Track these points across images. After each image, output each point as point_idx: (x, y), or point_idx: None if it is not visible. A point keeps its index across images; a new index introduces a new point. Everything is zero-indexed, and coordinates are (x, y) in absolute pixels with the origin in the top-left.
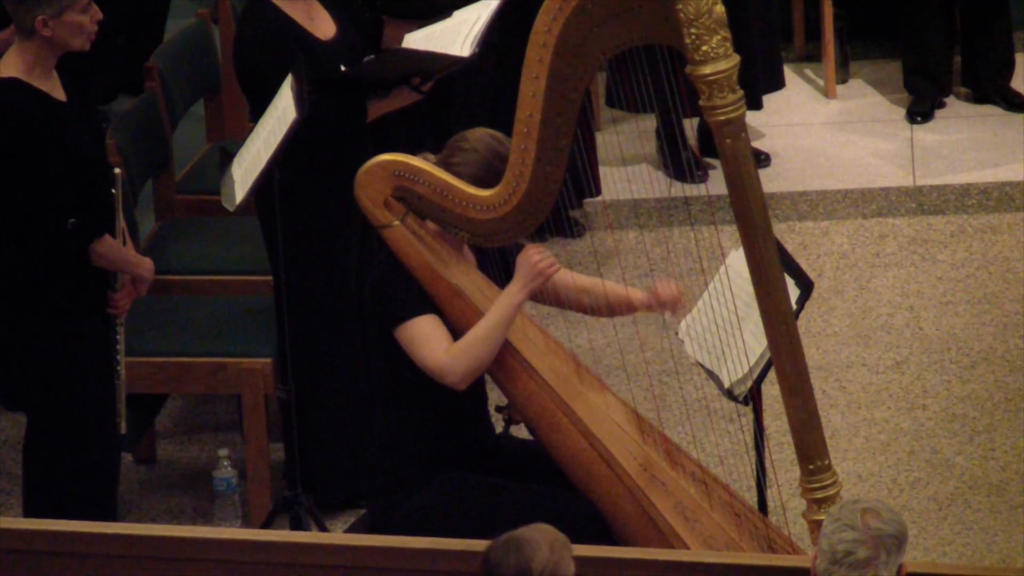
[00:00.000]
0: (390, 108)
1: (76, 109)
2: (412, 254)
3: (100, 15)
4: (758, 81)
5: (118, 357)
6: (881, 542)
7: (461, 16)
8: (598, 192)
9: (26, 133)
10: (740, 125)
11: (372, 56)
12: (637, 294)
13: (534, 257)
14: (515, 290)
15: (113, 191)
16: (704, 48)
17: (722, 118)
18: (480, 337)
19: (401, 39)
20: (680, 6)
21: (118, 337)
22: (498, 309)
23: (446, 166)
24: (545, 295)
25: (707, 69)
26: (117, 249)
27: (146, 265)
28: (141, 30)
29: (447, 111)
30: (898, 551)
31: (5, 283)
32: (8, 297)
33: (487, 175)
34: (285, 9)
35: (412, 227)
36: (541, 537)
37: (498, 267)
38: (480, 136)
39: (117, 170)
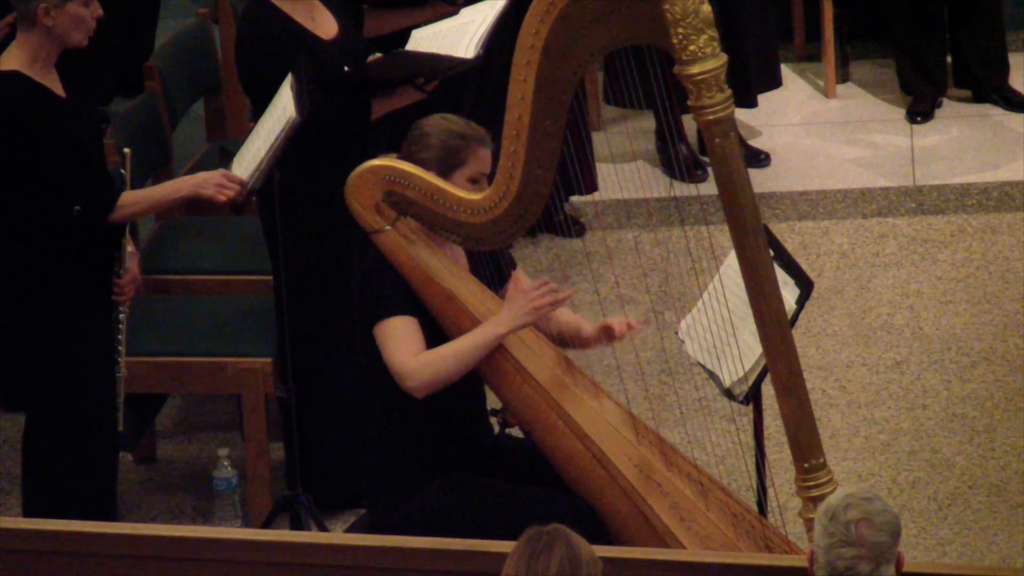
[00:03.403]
0: (393, 107)
1: (75, 106)
2: (404, 259)
3: (100, 11)
4: (752, 79)
5: (119, 348)
6: (881, 555)
7: (468, 16)
8: (594, 188)
9: (27, 126)
10: (729, 124)
11: (378, 55)
12: (587, 326)
13: (532, 294)
14: (502, 321)
15: (123, 171)
16: (691, 48)
17: (711, 117)
18: (452, 353)
19: (382, 29)
20: (667, 6)
21: (120, 327)
22: (479, 334)
23: (408, 158)
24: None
25: (695, 69)
26: (138, 194)
27: (191, 181)
28: (135, 32)
29: (458, 113)
30: (895, 547)
31: (5, 280)
32: (8, 294)
33: (448, 156)
34: (286, 9)
35: (404, 232)
36: (575, 534)
37: (490, 270)
38: (431, 121)
39: (126, 150)
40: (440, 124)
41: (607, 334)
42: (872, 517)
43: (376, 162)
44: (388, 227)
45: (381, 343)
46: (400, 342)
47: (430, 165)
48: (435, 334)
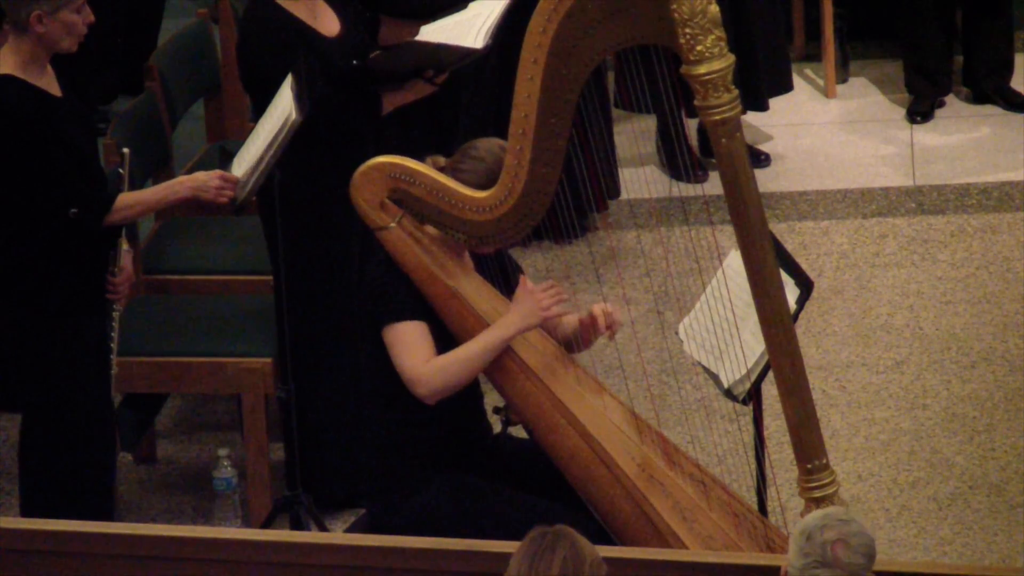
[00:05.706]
0: (404, 101)
1: (72, 106)
2: (409, 256)
3: (92, 18)
4: (762, 83)
5: (112, 346)
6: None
7: (476, 9)
8: (617, 194)
9: (23, 129)
10: (735, 125)
11: (379, 51)
12: (573, 319)
13: (539, 295)
14: (509, 323)
15: (121, 171)
16: (699, 48)
17: (717, 118)
18: (461, 359)
19: (398, 37)
20: (675, 6)
21: (113, 324)
22: (487, 337)
23: (454, 171)
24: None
25: (702, 69)
26: (135, 195)
27: (189, 184)
28: (138, 31)
29: (455, 111)
30: (870, 570)
31: (1, 280)
32: (4, 294)
33: (491, 184)
34: (288, 7)
35: (409, 229)
36: (579, 535)
37: (495, 268)
38: (489, 146)
39: (125, 150)
40: (495, 151)
41: (592, 329)
42: (848, 539)
43: (382, 159)
44: (393, 224)
45: (391, 348)
46: (410, 348)
47: (471, 184)
48: (443, 333)
